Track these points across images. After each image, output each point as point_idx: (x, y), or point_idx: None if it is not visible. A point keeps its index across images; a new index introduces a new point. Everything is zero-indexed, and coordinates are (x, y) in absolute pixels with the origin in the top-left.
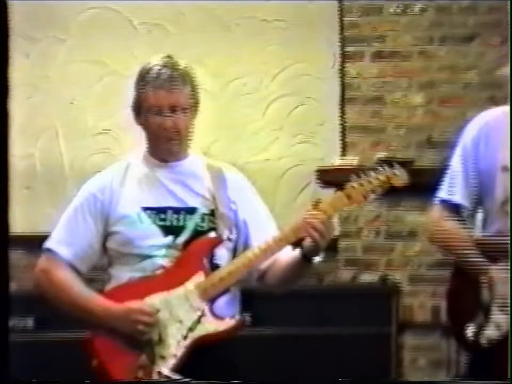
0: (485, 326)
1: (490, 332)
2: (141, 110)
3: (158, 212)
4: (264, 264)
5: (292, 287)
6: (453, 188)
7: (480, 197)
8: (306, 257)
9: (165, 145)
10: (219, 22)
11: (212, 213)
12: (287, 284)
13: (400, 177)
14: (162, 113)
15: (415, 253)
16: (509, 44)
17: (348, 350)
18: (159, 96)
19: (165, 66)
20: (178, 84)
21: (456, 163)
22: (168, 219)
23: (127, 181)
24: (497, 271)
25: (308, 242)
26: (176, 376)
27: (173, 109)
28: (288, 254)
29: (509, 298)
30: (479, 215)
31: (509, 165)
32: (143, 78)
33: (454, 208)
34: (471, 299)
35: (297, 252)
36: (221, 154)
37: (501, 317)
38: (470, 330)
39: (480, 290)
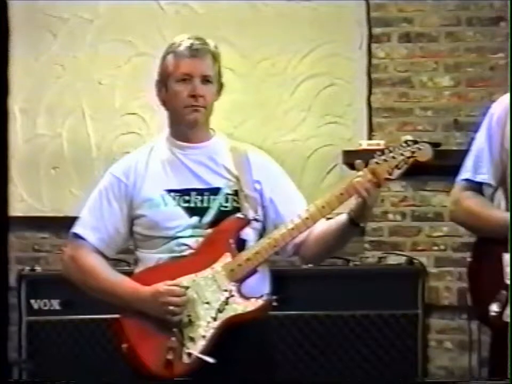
0: (507, 304)
1: None
2: (167, 80)
3: (182, 193)
4: (300, 238)
5: (328, 257)
6: (479, 167)
7: (504, 176)
8: (353, 221)
9: (191, 115)
10: (247, 2)
11: (236, 193)
12: (326, 253)
13: (425, 152)
14: (194, 80)
15: (441, 234)
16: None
17: (374, 331)
18: (191, 64)
19: (195, 39)
20: (209, 56)
21: (481, 143)
22: (193, 200)
23: (150, 164)
24: None
25: (355, 206)
26: (206, 358)
27: (204, 79)
28: (327, 223)
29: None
30: (500, 195)
31: None
32: (172, 50)
33: (477, 187)
34: (493, 278)
35: (343, 217)
36: (249, 134)
37: None
38: (493, 309)
39: (503, 268)
